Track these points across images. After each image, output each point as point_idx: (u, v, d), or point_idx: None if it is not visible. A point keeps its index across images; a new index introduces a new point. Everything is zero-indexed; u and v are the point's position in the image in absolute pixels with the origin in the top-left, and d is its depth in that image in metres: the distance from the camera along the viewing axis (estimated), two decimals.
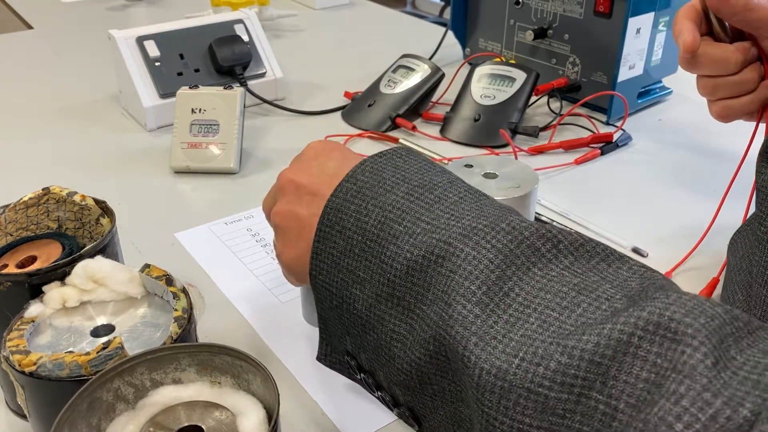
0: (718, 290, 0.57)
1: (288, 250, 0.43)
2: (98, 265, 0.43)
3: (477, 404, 0.29)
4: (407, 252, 0.33)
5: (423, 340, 0.32)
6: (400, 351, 0.34)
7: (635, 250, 0.62)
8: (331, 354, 0.40)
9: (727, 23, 0.52)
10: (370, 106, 0.88)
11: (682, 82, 0.94)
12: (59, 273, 0.43)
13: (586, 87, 0.89)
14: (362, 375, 0.38)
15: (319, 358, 0.41)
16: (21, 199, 0.49)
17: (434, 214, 0.34)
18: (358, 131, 0.86)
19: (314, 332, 0.53)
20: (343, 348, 0.38)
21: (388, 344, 0.34)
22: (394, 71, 0.91)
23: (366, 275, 0.35)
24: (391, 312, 0.34)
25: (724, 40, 0.53)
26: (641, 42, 0.85)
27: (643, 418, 0.25)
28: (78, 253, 0.44)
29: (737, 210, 0.58)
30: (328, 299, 0.37)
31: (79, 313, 0.42)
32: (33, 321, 0.40)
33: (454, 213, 0.34)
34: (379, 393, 0.38)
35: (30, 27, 1.30)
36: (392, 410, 0.38)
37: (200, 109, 0.76)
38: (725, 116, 0.55)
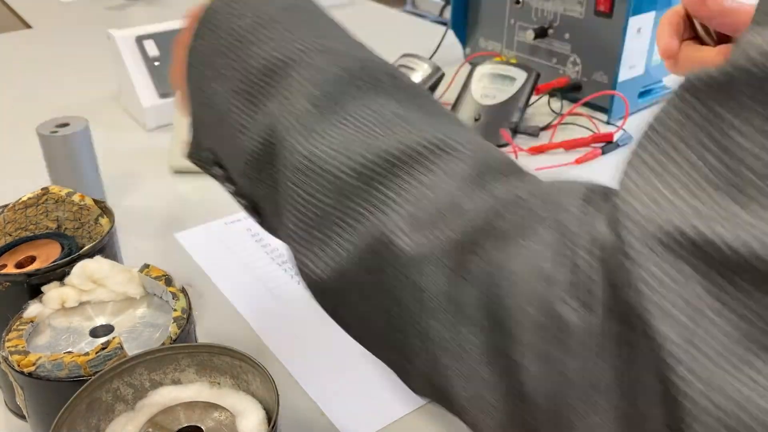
0: None
1: (175, 70, 0.45)
2: (97, 265, 0.43)
3: (286, 183, 0.34)
4: (266, 53, 0.37)
5: (260, 129, 0.35)
6: (242, 141, 0.37)
7: None
8: (196, 151, 0.43)
9: (709, 27, 0.53)
10: None
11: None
12: (58, 273, 0.43)
13: (586, 86, 0.88)
14: (217, 169, 0.42)
15: (187, 155, 0.43)
16: (20, 198, 0.49)
17: (301, 31, 0.38)
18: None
19: (314, 332, 0.53)
20: (205, 144, 0.42)
21: (234, 135, 0.37)
22: None
23: (227, 72, 0.38)
24: (241, 106, 0.37)
25: (708, 43, 0.53)
26: (642, 41, 0.84)
27: (412, 211, 0.30)
28: (77, 254, 0.44)
29: None
30: (197, 96, 0.40)
31: (78, 314, 0.42)
32: (32, 321, 0.40)
33: (319, 33, 0.38)
34: (227, 185, 0.41)
35: (29, 26, 1.30)
36: (240, 203, 0.41)
37: None
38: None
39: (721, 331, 0.23)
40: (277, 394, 0.34)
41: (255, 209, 0.40)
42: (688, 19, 0.53)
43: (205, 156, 0.42)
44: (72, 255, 0.44)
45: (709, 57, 0.53)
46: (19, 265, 0.46)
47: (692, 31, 0.54)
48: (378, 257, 0.30)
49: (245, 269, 0.60)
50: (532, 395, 0.26)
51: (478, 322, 0.28)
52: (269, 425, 0.33)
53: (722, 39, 0.54)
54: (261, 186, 0.37)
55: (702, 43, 0.54)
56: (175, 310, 0.40)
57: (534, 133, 0.81)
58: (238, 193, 0.41)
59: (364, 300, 0.32)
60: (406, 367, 0.33)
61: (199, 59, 0.39)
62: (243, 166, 0.37)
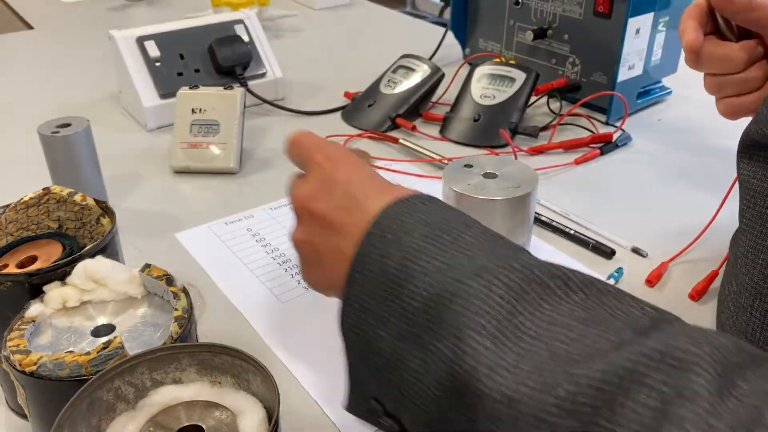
0: (716, 284, 0.57)
1: (311, 277, 0.44)
2: (98, 265, 0.43)
3: None
4: (423, 290, 0.34)
5: (439, 376, 0.33)
6: (418, 389, 0.34)
7: (635, 250, 0.62)
8: (359, 402, 0.40)
9: (733, 22, 0.53)
10: (370, 106, 0.88)
11: (682, 82, 0.94)
12: (59, 273, 0.43)
13: (585, 87, 0.89)
14: (388, 420, 0.39)
15: (348, 408, 0.41)
16: (21, 199, 0.49)
17: (449, 254, 0.35)
18: (358, 131, 0.86)
19: (315, 331, 0.53)
20: (370, 393, 0.39)
21: (408, 383, 0.35)
22: (394, 71, 0.91)
23: (388, 315, 0.35)
24: (410, 350, 0.34)
25: (730, 39, 0.53)
26: (641, 42, 0.85)
27: None
28: (78, 253, 0.44)
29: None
30: (356, 343, 0.38)
31: (80, 313, 0.42)
32: (33, 321, 0.40)
33: (468, 253, 0.35)
34: None
35: (30, 27, 1.30)
36: None
37: (200, 109, 0.76)
38: (731, 114, 0.56)
39: None
40: (278, 394, 0.34)
41: None
42: (711, 13, 0.53)
43: (371, 407, 0.39)
44: (73, 255, 0.44)
45: (732, 53, 0.52)
46: (20, 265, 0.46)
47: (713, 25, 0.54)
48: None
49: (246, 269, 0.60)
50: None
51: None
52: (270, 424, 0.34)
53: (743, 34, 0.53)
54: (453, 428, 0.33)
55: (723, 38, 0.54)
56: (176, 309, 0.41)
57: (533, 133, 0.81)
58: None
59: None
60: None
61: (355, 306, 0.37)
62: (423, 415, 0.34)
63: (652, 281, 0.58)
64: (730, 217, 0.59)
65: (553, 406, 0.27)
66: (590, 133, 0.83)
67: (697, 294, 0.56)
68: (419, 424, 0.35)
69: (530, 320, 0.31)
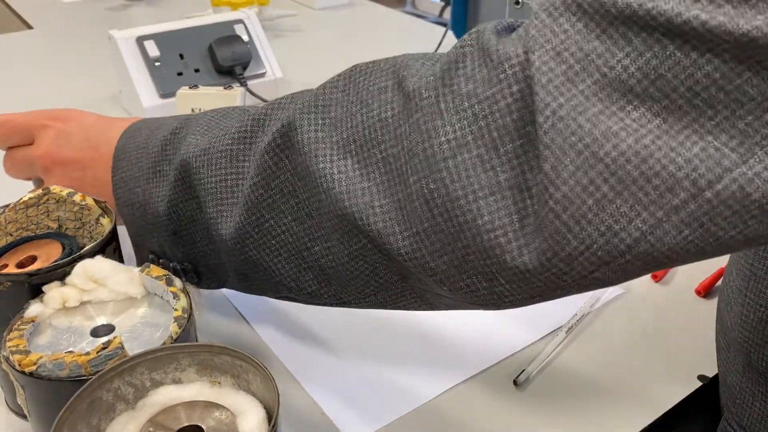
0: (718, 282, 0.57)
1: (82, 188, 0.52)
2: (98, 265, 0.43)
3: (200, 182, 0.43)
4: (162, 136, 0.46)
5: (171, 180, 0.44)
6: (156, 207, 0.46)
7: None
8: (140, 254, 0.50)
9: None
10: None
11: None
12: (59, 273, 0.43)
13: None
14: (152, 256, 0.49)
15: (140, 264, 0.48)
16: (21, 199, 0.49)
17: (189, 129, 0.46)
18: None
19: (315, 331, 0.53)
20: (150, 247, 0.49)
21: (154, 206, 0.46)
22: None
23: (139, 172, 0.47)
24: (155, 183, 0.46)
25: None
26: None
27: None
28: (78, 253, 0.44)
29: None
30: (128, 214, 0.48)
31: (79, 313, 0.42)
32: (33, 321, 0.40)
33: (202, 124, 0.46)
34: (171, 264, 0.48)
35: (30, 27, 1.30)
36: (181, 277, 0.44)
37: (200, 109, 0.76)
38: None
39: (599, 72, 0.27)
40: (278, 394, 0.34)
41: (196, 271, 0.47)
42: None
43: (149, 256, 0.49)
44: (73, 255, 0.44)
45: None
46: (20, 265, 0.46)
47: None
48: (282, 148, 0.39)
49: None
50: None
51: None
52: (270, 425, 0.34)
53: None
54: (184, 237, 0.46)
55: None
56: (175, 309, 0.41)
57: None
58: (188, 269, 0.48)
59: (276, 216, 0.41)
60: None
61: (122, 187, 0.48)
62: (163, 227, 0.46)
63: (657, 276, 0.58)
64: None
65: (229, 138, 0.41)
66: None
67: (704, 289, 0.57)
68: (166, 240, 0.47)
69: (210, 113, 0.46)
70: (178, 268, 0.47)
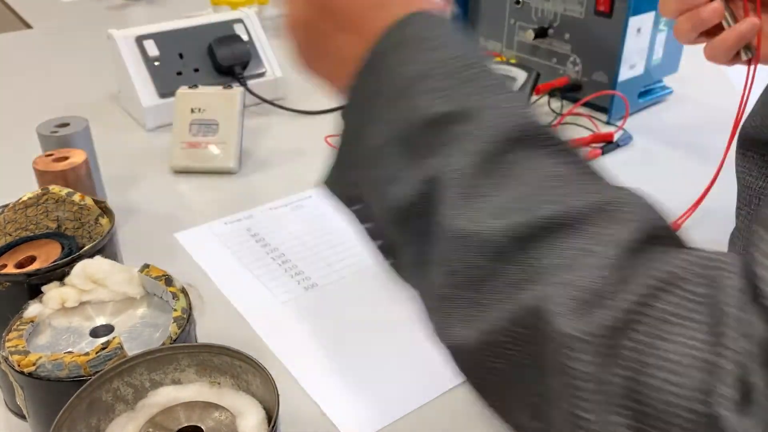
0: None
1: (310, 63, 0.44)
2: (97, 265, 0.43)
3: (440, 241, 0.32)
4: (435, 105, 0.35)
5: (418, 182, 0.34)
6: (395, 187, 0.36)
7: None
8: (336, 182, 0.42)
9: None
10: None
11: (683, 82, 0.94)
12: (58, 273, 0.43)
13: (586, 86, 0.88)
14: (357, 206, 0.41)
15: (325, 183, 0.42)
16: (20, 198, 0.49)
17: (473, 84, 0.36)
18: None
19: (314, 332, 0.53)
20: (348, 179, 0.41)
21: (387, 180, 0.37)
22: None
23: (389, 116, 0.36)
24: (400, 154, 0.36)
25: None
26: (642, 41, 0.84)
27: (571, 281, 0.28)
28: (77, 253, 0.44)
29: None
30: (350, 132, 0.39)
31: (79, 314, 0.42)
32: (32, 321, 0.40)
33: (490, 87, 0.36)
34: (368, 225, 0.41)
35: (29, 27, 1.30)
36: (373, 242, 0.40)
37: (200, 109, 0.76)
38: (711, 56, 0.57)
39: None
40: (277, 394, 0.34)
41: (390, 251, 0.39)
42: None
43: (345, 190, 0.42)
44: (72, 255, 0.44)
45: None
46: (19, 265, 0.46)
47: None
48: (529, 329, 0.29)
49: (245, 269, 0.60)
50: None
51: (625, 409, 0.26)
52: (269, 425, 0.33)
53: None
54: (407, 234, 0.36)
55: None
56: (175, 310, 0.40)
57: None
58: (375, 234, 0.40)
59: (507, 369, 0.31)
60: None
61: (359, 99, 0.39)
62: (389, 214, 0.36)
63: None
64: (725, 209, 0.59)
65: (509, 232, 0.30)
66: (591, 133, 0.83)
67: None
68: (383, 217, 0.38)
69: (519, 164, 0.33)
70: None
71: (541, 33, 0.91)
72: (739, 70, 0.60)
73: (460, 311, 0.32)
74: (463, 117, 0.34)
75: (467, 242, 0.31)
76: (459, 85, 0.35)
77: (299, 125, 0.89)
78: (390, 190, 0.36)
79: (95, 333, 0.41)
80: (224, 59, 0.88)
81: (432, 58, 0.37)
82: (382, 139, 0.36)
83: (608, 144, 0.80)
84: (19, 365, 0.37)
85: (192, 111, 0.76)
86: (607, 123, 0.87)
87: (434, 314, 0.34)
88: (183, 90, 0.77)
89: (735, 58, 0.56)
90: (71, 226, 0.49)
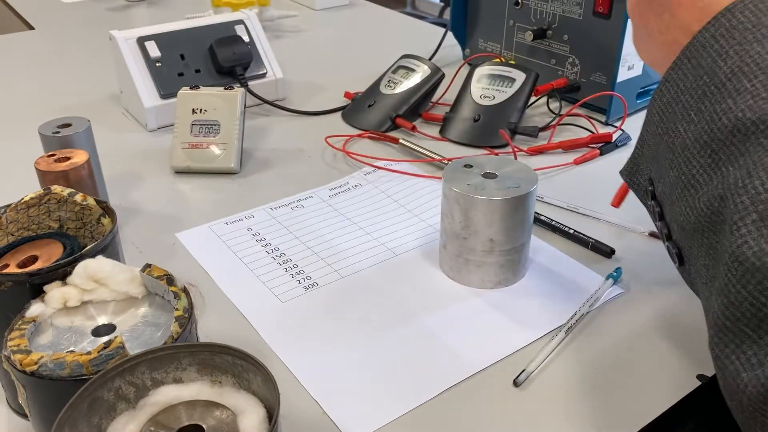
0: None
1: (640, 48, 0.44)
2: (99, 264, 0.43)
3: (726, 268, 0.30)
4: (740, 111, 0.32)
5: (712, 195, 0.32)
6: (691, 195, 0.34)
7: (652, 234, 0.63)
8: (635, 173, 0.41)
9: None
10: (370, 106, 0.89)
11: None
12: (60, 273, 0.43)
13: (585, 87, 0.89)
14: (652, 203, 0.39)
15: (622, 172, 0.42)
16: (22, 198, 0.49)
17: None
18: (358, 131, 0.86)
19: (314, 333, 0.53)
20: (648, 174, 0.39)
21: (684, 186, 0.34)
22: (394, 71, 0.91)
23: (696, 117, 0.34)
24: (700, 160, 0.33)
25: None
26: None
27: None
28: (79, 253, 0.44)
29: None
30: (655, 124, 0.38)
31: (80, 313, 0.42)
32: (34, 320, 0.40)
33: None
34: (660, 223, 0.39)
35: (31, 27, 1.30)
36: (664, 242, 0.39)
37: (201, 110, 0.76)
38: None
39: None
40: (278, 393, 0.34)
41: (679, 256, 0.37)
42: None
43: (643, 183, 0.40)
44: (74, 255, 0.44)
45: None
46: (21, 265, 0.46)
47: None
48: None
49: (246, 268, 0.60)
50: None
51: None
52: (270, 424, 0.34)
53: None
54: (696, 245, 0.34)
55: None
56: (176, 309, 0.41)
57: (533, 133, 0.82)
58: (665, 235, 0.38)
59: None
60: None
61: (671, 92, 0.36)
62: (682, 218, 0.34)
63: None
64: None
65: None
66: (590, 133, 0.83)
67: (618, 201, 0.55)
68: (676, 221, 0.35)
69: None
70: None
71: (539, 34, 0.92)
72: None
73: (741, 348, 0.29)
74: (766, 128, 0.30)
75: (756, 276, 0.28)
76: None
77: (299, 126, 0.89)
78: (685, 196, 0.34)
79: (97, 332, 0.41)
80: (225, 60, 0.88)
81: (753, 52, 0.33)
82: (687, 140, 0.34)
83: (606, 144, 0.80)
84: (21, 364, 0.37)
85: (193, 111, 0.76)
86: (606, 123, 0.87)
87: (714, 346, 0.31)
88: (184, 91, 0.77)
89: None
90: (73, 226, 0.49)
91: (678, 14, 0.38)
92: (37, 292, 0.42)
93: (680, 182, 0.35)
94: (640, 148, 0.40)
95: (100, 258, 0.44)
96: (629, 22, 0.81)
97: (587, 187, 0.74)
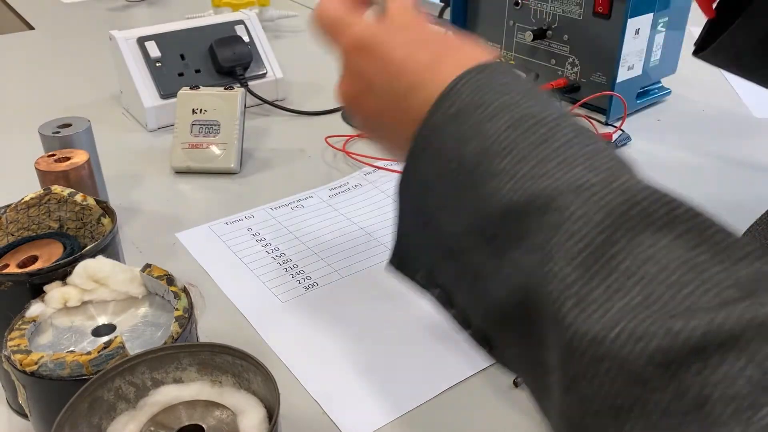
0: None
1: (373, 137, 0.41)
2: (99, 264, 0.43)
3: (562, 363, 0.28)
4: (507, 193, 0.31)
5: (511, 285, 0.30)
6: (483, 286, 0.32)
7: None
8: (405, 267, 0.37)
9: None
10: None
11: (681, 83, 0.94)
12: (60, 273, 0.43)
13: (585, 87, 0.89)
14: (437, 290, 0.36)
15: (390, 266, 0.38)
16: (22, 199, 0.49)
17: (540, 156, 0.31)
18: (358, 132, 0.86)
19: (314, 333, 0.53)
20: (422, 267, 0.36)
21: (471, 276, 0.32)
22: None
23: (458, 204, 0.32)
24: (479, 248, 0.32)
25: None
26: (640, 42, 0.85)
27: (745, 418, 0.23)
28: (79, 253, 0.44)
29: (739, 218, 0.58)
30: (412, 215, 0.35)
31: (80, 313, 0.42)
32: (34, 321, 0.40)
33: (564, 159, 0.31)
34: (453, 311, 0.36)
35: (31, 28, 1.30)
36: (464, 331, 0.36)
37: (201, 110, 0.76)
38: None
39: None
40: (278, 393, 0.34)
41: (485, 340, 0.35)
42: None
43: (419, 276, 0.37)
44: (74, 255, 0.44)
45: None
46: (21, 265, 0.46)
47: None
48: None
49: (246, 268, 0.60)
50: None
51: None
52: (270, 424, 0.34)
53: None
54: (508, 336, 0.32)
55: None
56: (176, 309, 0.41)
57: None
58: (462, 321, 0.36)
59: None
60: None
61: (418, 181, 0.34)
62: (482, 310, 0.33)
63: None
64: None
65: (642, 356, 0.25)
66: None
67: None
68: (472, 311, 0.33)
69: (626, 251, 0.27)
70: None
71: (540, 34, 0.92)
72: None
73: None
74: (544, 205, 0.30)
75: (593, 365, 0.26)
76: (528, 159, 0.31)
77: (300, 126, 0.89)
78: (479, 286, 0.32)
79: (97, 332, 0.41)
80: (225, 60, 0.88)
81: (491, 132, 0.32)
82: (458, 228, 0.32)
83: None
84: (21, 364, 0.37)
85: (193, 112, 0.76)
86: (606, 124, 0.87)
87: None
88: (184, 91, 0.77)
89: None
90: (73, 226, 0.49)
91: (403, 120, 0.36)
92: (37, 292, 0.42)
93: (466, 274, 0.33)
94: (401, 241, 0.37)
95: (100, 258, 0.44)
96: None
97: None
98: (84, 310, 0.43)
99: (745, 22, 0.48)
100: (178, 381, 0.37)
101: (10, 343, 0.38)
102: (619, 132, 0.83)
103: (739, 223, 0.50)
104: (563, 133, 0.32)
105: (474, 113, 0.33)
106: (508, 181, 0.31)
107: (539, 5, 0.91)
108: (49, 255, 0.47)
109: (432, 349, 0.52)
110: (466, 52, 0.36)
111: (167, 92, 0.85)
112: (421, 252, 0.36)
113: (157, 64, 0.87)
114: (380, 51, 0.37)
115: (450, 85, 0.33)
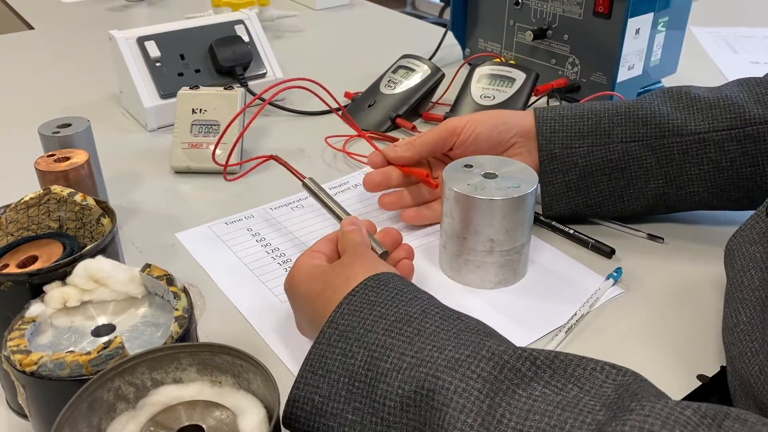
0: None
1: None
2: (99, 264, 0.43)
3: None
4: (398, 388, 0.35)
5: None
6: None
7: (651, 237, 0.63)
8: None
9: None
10: (370, 106, 0.89)
11: (681, 83, 0.94)
12: (60, 273, 0.43)
13: (585, 87, 0.89)
14: None
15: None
16: (22, 199, 0.49)
17: (416, 347, 0.37)
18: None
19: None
20: None
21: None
22: (394, 71, 0.91)
23: (356, 417, 0.36)
24: None
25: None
26: (640, 42, 0.85)
27: None
28: (79, 253, 0.44)
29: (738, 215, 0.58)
30: (318, 416, 0.38)
31: (80, 313, 0.42)
32: (34, 321, 0.40)
33: (436, 344, 0.37)
34: None
35: (31, 27, 1.30)
36: None
37: (201, 110, 0.76)
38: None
39: None
40: (278, 393, 0.34)
41: None
42: None
43: None
44: (74, 255, 0.44)
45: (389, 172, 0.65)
46: (21, 265, 0.46)
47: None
48: None
49: (246, 268, 0.60)
50: None
51: None
52: (270, 424, 0.34)
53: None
54: None
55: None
56: (176, 309, 0.41)
57: None
58: None
59: None
60: None
61: (307, 409, 0.38)
62: None
63: None
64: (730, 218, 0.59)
65: None
66: None
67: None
68: None
69: (510, 411, 0.32)
70: None
71: (540, 34, 0.92)
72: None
73: None
74: (430, 390, 0.34)
75: None
76: (406, 354, 0.36)
77: (299, 126, 0.89)
78: None
79: (97, 332, 0.41)
80: (225, 60, 0.88)
81: (371, 341, 0.38)
82: (365, 429, 0.36)
83: None
84: (20, 364, 0.37)
85: (193, 111, 0.76)
86: None
87: None
88: (184, 91, 0.77)
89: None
90: (73, 226, 0.49)
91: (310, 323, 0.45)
92: (37, 292, 0.42)
93: None
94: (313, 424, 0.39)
95: (100, 258, 0.44)
96: (626, 30, 0.82)
97: None
98: (84, 310, 0.43)
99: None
100: (177, 381, 0.37)
101: (9, 343, 0.38)
102: None
103: (737, 221, 0.50)
104: (430, 323, 0.38)
105: (354, 331, 0.39)
106: (395, 377, 0.36)
107: (539, 5, 0.91)
108: (48, 255, 0.47)
109: None
110: (346, 278, 0.44)
111: (167, 92, 0.85)
112: None
113: (157, 64, 0.87)
114: (307, 281, 0.48)
115: (330, 316, 0.41)
